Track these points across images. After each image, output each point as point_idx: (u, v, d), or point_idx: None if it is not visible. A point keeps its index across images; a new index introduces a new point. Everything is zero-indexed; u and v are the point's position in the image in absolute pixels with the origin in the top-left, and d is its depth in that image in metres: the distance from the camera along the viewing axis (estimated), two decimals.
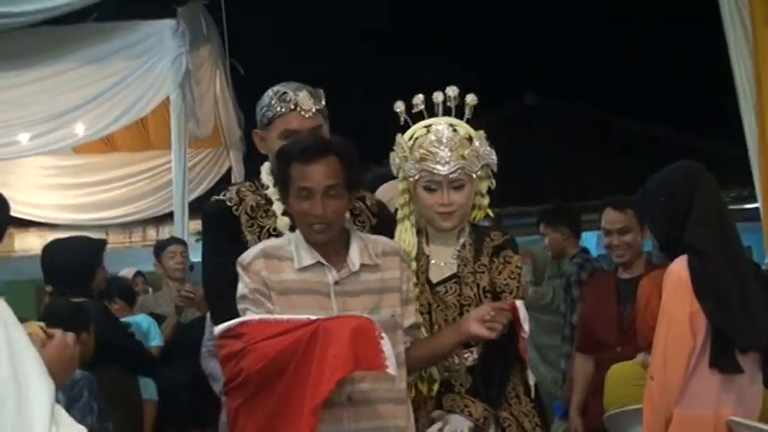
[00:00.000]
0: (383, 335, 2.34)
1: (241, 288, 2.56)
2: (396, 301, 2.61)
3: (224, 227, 2.83)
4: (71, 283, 4.23)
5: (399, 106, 2.90)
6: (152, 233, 10.44)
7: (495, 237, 2.86)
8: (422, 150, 2.81)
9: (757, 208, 5.76)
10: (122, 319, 4.77)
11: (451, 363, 2.79)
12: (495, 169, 2.87)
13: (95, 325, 3.78)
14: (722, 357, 2.86)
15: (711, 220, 2.92)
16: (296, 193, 2.55)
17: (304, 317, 2.41)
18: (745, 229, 5.69)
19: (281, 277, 2.54)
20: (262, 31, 10.46)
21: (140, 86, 7.23)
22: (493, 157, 2.84)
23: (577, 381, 4.49)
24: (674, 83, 11.63)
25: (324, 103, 2.90)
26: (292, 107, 2.81)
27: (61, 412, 1.65)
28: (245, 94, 9.15)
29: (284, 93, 2.84)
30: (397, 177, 2.96)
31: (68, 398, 2.98)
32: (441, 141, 2.80)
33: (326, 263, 2.56)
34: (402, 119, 2.90)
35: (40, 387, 1.60)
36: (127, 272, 5.91)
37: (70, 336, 2.12)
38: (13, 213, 3.89)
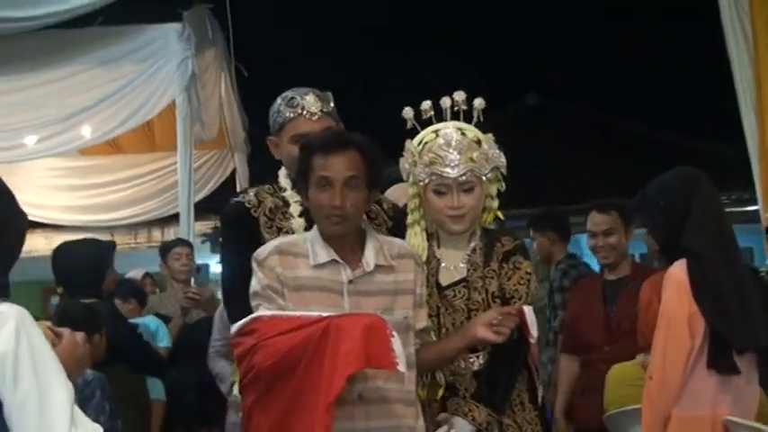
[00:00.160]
0: (394, 333, 2.35)
1: (254, 284, 2.58)
2: (409, 304, 2.63)
3: (243, 228, 2.88)
4: (81, 285, 4.29)
5: (408, 112, 2.91)
6: (157, 234, 10.48)
7: (506, 242, 2.86)
8: (431, 154, 2.82)
9: (758, 210, 5.80)
10: (131, 321, 4.82)
11: (457, 367, 2.79)
12: (505, 172, 2.89)
13: (105, 326, 3.85)
14: (720, 358, 2.92)
15: (709, 225, 2.99)
16: (315, 183, 2.56)
17: (315, 313, 2.42)
18: (746, 231, 5.76)
19: (296, 273, 2.56)
20: (266, 34, 10.51)
21: (147, 90, 7.28)
22: (502, 159, 2.86)
23: (562, 382, 4.55)
24: (675, 84, 11.66)
25: (332, 105, 2.94)
26: (300, 111, 2.86)
27: (78, 413, 1.76)
28: (250, 96, 9.23)
29: (292, 98, 2.90)
30: (404, 179, 2.98)
31: (81, 398, 3.03)
32: (449, 144, 2.81)
33: (341, 261, 2.57)
34: (410, 125, 2.91)
35: (60, 391, 1.72)
36: (135, 273, 5.96)
37: (80, 335, 2.18)
38: None
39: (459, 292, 2.83)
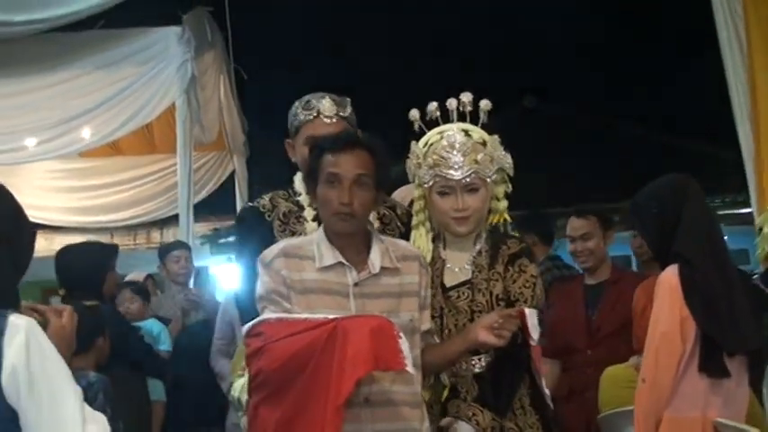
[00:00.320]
0: (401, 334, 2.36)
1: (260, 288, 2.60)
2: (414, 306, 2.64)
3: (256, 231, 2.91)
4: (82, 288, 4.34)
5: (414, 114, 2.91)
6: (156, 235, 10.53)
7: (512, 245, 2.85)
8: (435, 156, 2.81)
9: (752, 213, 5.85)
10: (133, 324, 4.87)
11: (459, 368, 2.78)
12: (512, 173, 2.88)
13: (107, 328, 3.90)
14: (711, 362, 2.97)
15: (700, 231, 3.04)
16: (324, 180, 2.57)
17: (321, 316, 2.44)
18: (742, 233, 5.81)
19: (302, 276, 2.57)
20: (265, 36, 10.54)
21: (147, 92, 7.33)
22: (508, 161, 2.86)
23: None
24: (673, 86, 11.69)
25: (350, 110, 2.97)
26: (315, 114, 2.90)
27: (86, 408, 1.85)
28: (249, 99, 9.28)
29: (308, 101, 2.95)
30: (407, 181, 3.00)
31: (84, 400, 3.09)
32: (453, 146, 2.80)
33: (347, 263, 2.58)
34: (417, 126, 2.90)
35: (70, 395, 1.82)
36: (138, 275, 6.01)
37: (66, 311, 2.19)
38: None
39: (462, 293, 2.82)
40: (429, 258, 2.85)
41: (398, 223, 2.98)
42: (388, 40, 11.50)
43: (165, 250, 6.06)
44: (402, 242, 2.76)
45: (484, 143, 2.83)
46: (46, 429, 1.77)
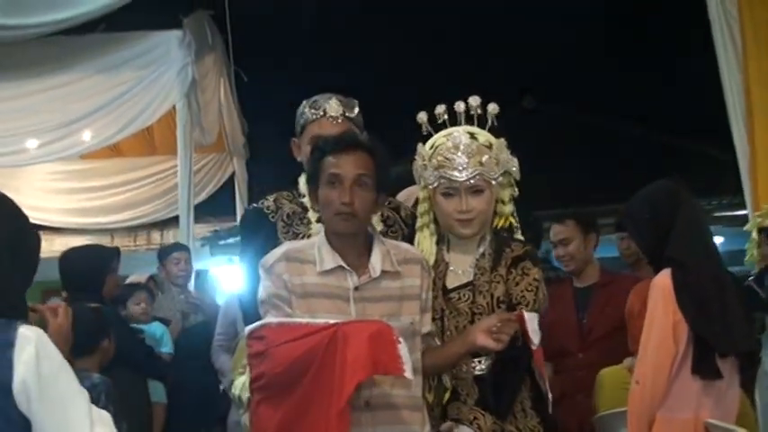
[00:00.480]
0: (401, 339, 2.37)
1: (261, 292, 2.61)
2: (415, 309, 2.63)
3: (260, 233, 2.91)
4: (83, 289, 4.39)
5: (422, 117, 2.90)
6: (157, 237, 10.57)
7: (516, 247, 2.84)
8: (440, 157, 2.82)
9: (748, 214, 5.89)
10: (137, 326, 4.91)
11: (459, 371, 2.77)
12: (518, 177, 2.87)
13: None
14: (703, 364, 3.03)
15: (692, 236, 3.10)
16: (325, 181, 2.57)
17: (322, 321, 2.44)
18: (740, 234, 5.83)
19: (303, 280, 2.57)
20: (265, 39, 10.59)
21: (147, 96, 7.39)
22: (514, 164, 2.85)
23: None
24: (673, 87, 11.71)
25: (357, 111, 2.97)
26: (321, 114, 2.91)
27: (94, 412, 1.93)
28: (249, 101, 9.33)
29: (315, 100, 2.96)
30: (408, 183, 3.03)
31: None
32: (458, 148, 2.80)
33: (348, 267, 2.58)
34: (424, 129, 2.90)
35: (78, 400, 1.90)
36: (140, 276, 6.04)
37: (62, 309, 2.26)
38: None
39: (464, 295, 2.81)
40: (432, 261, 2.85)
41: (402, 225, 2.98)
42: (388, 42, 11.53)
43: (164, 252, 6.10)
44: (404, 245, 2.76)
45: (490, 146, 2.82)
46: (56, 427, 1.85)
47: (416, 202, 3.52)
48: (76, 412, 1.89)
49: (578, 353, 4.29)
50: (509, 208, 2.91)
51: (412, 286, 2.64)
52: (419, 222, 2.93)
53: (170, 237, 9.68)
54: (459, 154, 2.79)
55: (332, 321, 2.43)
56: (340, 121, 2.90)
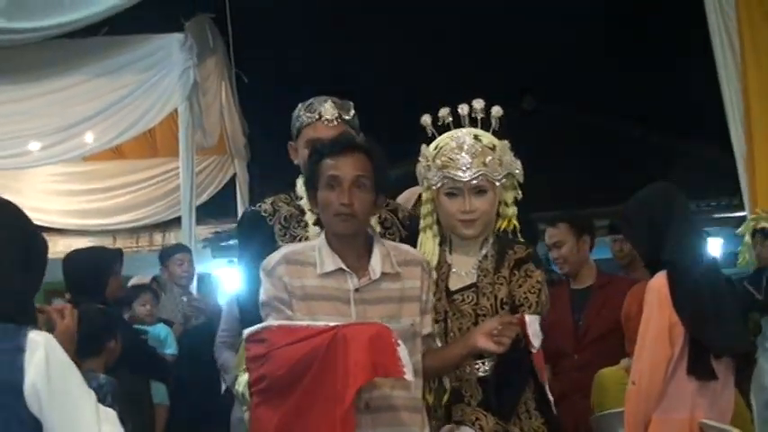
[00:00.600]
0: (399, 342, 2.37)
1: (262, 294, 2.62)
2: (415, 311, 2.64)
3: (258, 235, 2.92)
4: (86, 291, 4.43)
5: (426, 119, 2.92)
6: (158, 238, 10.60)
7: (518, 250, 2.85)
8: (444, 158, 2.83)
9: (746, 216, 5.93)
10: (141, 327, 4.95)
11: (462, 372, 2.78)
12: (521, 179, 2.88)
13: None
14: (698, 364, 3.07)
15: (687, 239, 3.15)
16: (324, 183, 2.59)
17: (322, 323, 2.45)
18: (739, 236, 5.86)
19: (303, 282, 2.58)
20: (265, 41, 10.63)
21: (149, 99, 7.43)
22: (518, 167, 2.86)
23: None
24: (672, 87, 11.73)
25: (352, 113, 2.97)
26: (317, 117, 2.92)
27: (101, 411, 2.01)
28: (249, 102, 9.37)
29: (310, 104, 2.97)
30: (408, 185, 3.07)
31: None
32: (462, 148, 2.81)
33: (348, 269, 2.59)
34: (429, 131, 2.91)
35: (85, 400, 1.98)
36: (143, 278, 6.07)
37: (68, 310, 2.33)
38: None
39: (467, 297, 2.81)
40: (435, 262, 2.85)
41: (400, 227, 2.99)
42: (388, 43, 11.56)
43: (166, 253, 6.13)
44: (404, 246, 2.76)
45: (493, 147, 2.83)
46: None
47: (417, 204, 3.57)
48: (84, 412, 1.96)
49: (574, 354, 4.33)
50: (512, 210, 2.92)
51: (412, 288, 2.65)
52: (422, 223, 2.93)
53: (172, 238, 9.72)
54: (464, 154, 2.80)
55: (332, 324, 2.44)
56: (336, 123, 2.91)
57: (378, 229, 2.94)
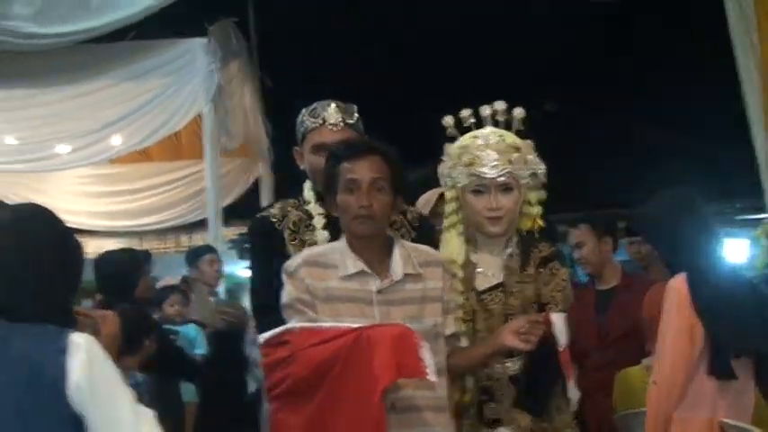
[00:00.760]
0: (423, 342, 2.40)
1: (284, 297, 2.65)
2: (438, 311, 2.67)
3: (268, 241, 2.94)
4: (115, 292, 4.52)
5: (448, 120, 2.94)
6: (185, 239, 10.71)
7: (543, 248, 2.89)
8: (470, 155, 2.85)
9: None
10: (172, 328, 5.02)
11: (493, 371, 2.81)
12: (545, 179, 2.91)
13: None
14: (718, 364, 3.10)
15: (705, 241, 3.18)
16: (343, 187, 2.62)
17: (345, 324, 2.48)
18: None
19: (326, 285, 2.62)
20: (289, 43, 10.71)
21: (174, 102, 7.54)
22: (541, 167, 2.90)
23: None
24: (700, 89, 11.70)
25: (356, 117, 2.98)
26: (321, 122, 2.93)
27: (139, 409, 2.12)
28: (273, 105, 9.45)
29: (314, 108, 2.99)
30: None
31: None
32: (488, 145, 2.84)
33: (370, 271, 2.63)
34: (450, 133, 2.94)
35: (124, 398, 2.09)
36: (172, 279, 6.12)
37: (110, 317, 2.44)
38: None
39: (495, 296, 2.84)
40: (461, 261, 2.88)
41: (409, 228, 2.99)
42: (412, 46, 11.59)
43: (195, 254, 6.15)
44: (424, 247, 2.79)
45: (518, 147, 2.87)
46: (107, 429, 2.03)
47: (437, 205, 3.63)
48: (124, 410, 2.06)
49: (597, 353, 4.37)
50: (536, 210, 2.95)
51: (434, 288, 2.68)
52: (446, 222, 2.96)
53: (198, 240, 9.82)
54: (490, 151, 2.83)
55: (355, 325, 2.47)
56: (340, 128, 2.92)
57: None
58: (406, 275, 2.65)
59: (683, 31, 11.65)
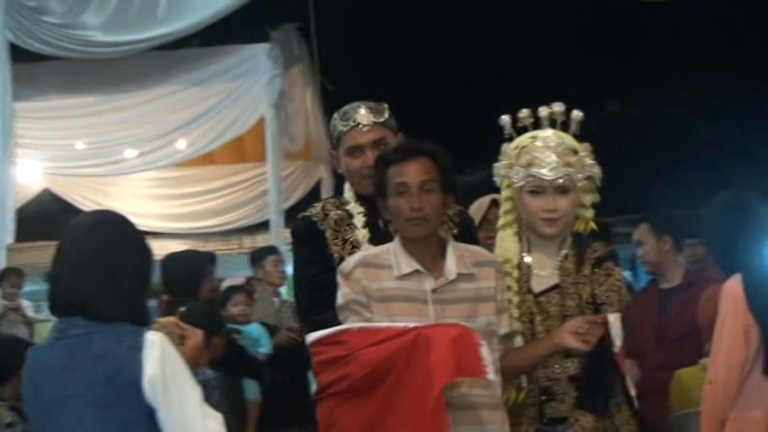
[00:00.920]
0: (483, 342, 2.41)
1: (340, 298, 2.65)
2: (491, 310, 2.67)
3: (310, 241, 2.94)
4: (180, 292, 4.64)
5: (505, 120, 2.92)
6: (247, 241, 10.86)
7: (598, 248, 2.86)
8: (528, 156, 2.83)
9: None
10: (235, 327, 5.13)
11: (553, 372, 2.80)
12: (599, 183, 2.88)
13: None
14: None
15: (760, 242, 3.19)
16: (393, 191, 2.63)
17: (402, 324, 2.49)
18: None
19: (381, 285, 2.62)
20: (349, 47, 10.83)
21: (238, 107, 7.72)
22: (596, 170, 2.86)
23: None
24: (758, 90, 11.54)
25: (387, 116, 2.96)
26: (353, 124, 2.91)
27: (206, 408, 2.25)
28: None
29: (345, 112, 2.99)
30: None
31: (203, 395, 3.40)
32: (548, 147, 2.82)
33: (425, 271, 2.63)
34: (507, 133, 2.91)
35: (192, 394, 2.23)
36: (237, 279, 6.22)
37: (200, 334, 2.56)
38: None
39: (552, 298, 2.83)
40: (516, 260, 2.87)
41: (451, 224, 2.96)
42: (471, 48, 11.62)
43: (259, 255, 6.20)
44: (475, 248, 2.79)
45: (576, 149, 2.84)
46: (176, 423, 2.18)
47: (488, 211, 3.68)
48: (192, 405, 2.21)
49: (656, 353, 4.37)
50: (590, 213, 2.92)
51: (487, 288, 2.68)
52: (502, 221, 2.95)
53: (260, 241, 9.94)
54: (549, 153, 2.81)
55: (412, 325, 2.48)
56: (371, 128, 2.92)
57: None
58: (460, 275, 2.65)
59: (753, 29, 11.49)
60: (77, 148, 8.17)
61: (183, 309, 4.08)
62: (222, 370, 4.51)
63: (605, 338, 2.68)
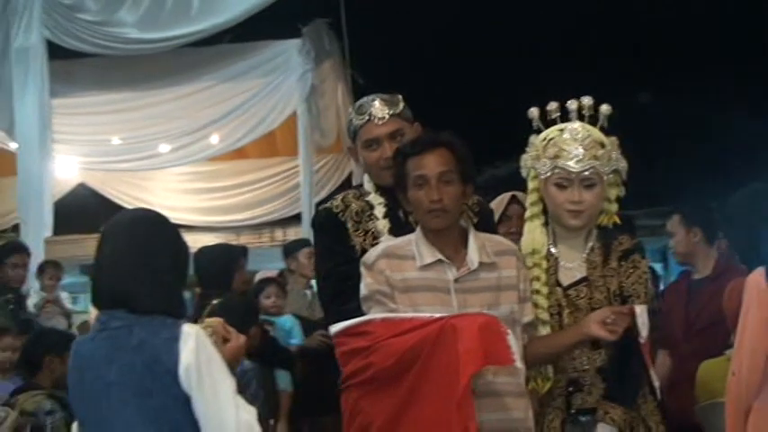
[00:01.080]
0: (509, 331, 2.45)
1: (363, 289, 2.70)
2: (513, 299, 2.71)
3: (332, 232, 2.99)
4: (213, 285, 4.74)
5: (533, 113, 2.94)
6: (279, 234, 10.93)
7: (624, 240, 2.88)
8: (556, 148, 2.84)
9: None
10: (267, 318, 5.22)
11: (580, 363, 2.82)
12: (625, 177, 2.90)
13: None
14: None
15: None
16: (413, 184, 2.67)
17: (427, 315, 2.53)
18: None
19: (404, 275, 2.66)
20: (379, 42, 10.88)
21: (270, 102, 7.80)
22: (623, 164, 2.88)
23: (660, 375, 4.72)
24: None
25: (402, 107, 2.99)
26: (368, 117, 2.95)
27: (239, 398, 2.36)
28: None
29: (360, 105, 3.05)
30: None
31: (240, 386, 3.49)
32: (575, 139, 2.83)
33: (447, 260, 2.67)
34: (535, 125, 2.93)
35: (226, 386, 2.34)
36: (269, 272, 6.29)
37: (242, 338, 2.66)
38: None
39: (581, 291, 2.85)
40: (544, 252, 2.89)
41: (470, 213, 2.98)
42: (502, 43, 11.62)
43: (293, 247, 6.25)
44: (496, 237, 2.84)
45: (603, 143, 2.86)
46: (209, 410, 2.29)
47: (507, 207, 3.73)
48: (225, 395, 2.31)
49: (683, 343, 4.40)
50: (615, 207, 2.94)
51: (509, 276, 2.73)
52: (529, 212, 2.98)
53: (292, 234, 10.00)
54: (577, 145, 2.83)
55: (437, 315, 2.52)
56: (386, 120, 2.95)
57: None
58: (482, 264, 2.70)
59: None
60: (112, 144, 8.31)
61: (215, 301, 4.17)
62: (256, 360, 4.61)
63: (632, 329, 2.73)
